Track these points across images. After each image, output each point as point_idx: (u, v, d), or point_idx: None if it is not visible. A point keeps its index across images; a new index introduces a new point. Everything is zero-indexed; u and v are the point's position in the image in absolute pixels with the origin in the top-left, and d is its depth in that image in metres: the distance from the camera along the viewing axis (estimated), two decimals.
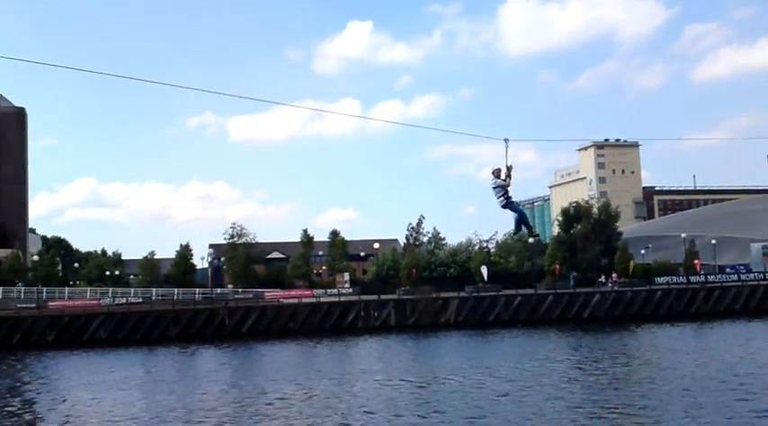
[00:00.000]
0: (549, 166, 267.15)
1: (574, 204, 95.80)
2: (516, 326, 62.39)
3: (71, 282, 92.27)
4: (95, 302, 69.83)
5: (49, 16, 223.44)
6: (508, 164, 14.10)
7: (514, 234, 15.12)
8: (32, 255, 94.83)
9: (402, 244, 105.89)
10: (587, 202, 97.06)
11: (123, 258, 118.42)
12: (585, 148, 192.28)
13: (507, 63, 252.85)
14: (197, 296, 76.43)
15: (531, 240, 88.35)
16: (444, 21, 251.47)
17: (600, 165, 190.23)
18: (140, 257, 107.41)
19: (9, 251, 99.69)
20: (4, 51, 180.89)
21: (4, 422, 27.37)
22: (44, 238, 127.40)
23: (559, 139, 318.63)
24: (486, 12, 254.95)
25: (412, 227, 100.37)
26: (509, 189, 14.32)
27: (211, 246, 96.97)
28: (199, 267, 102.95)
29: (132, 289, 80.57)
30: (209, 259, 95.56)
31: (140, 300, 71.83)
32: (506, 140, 14.15)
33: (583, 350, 44.61)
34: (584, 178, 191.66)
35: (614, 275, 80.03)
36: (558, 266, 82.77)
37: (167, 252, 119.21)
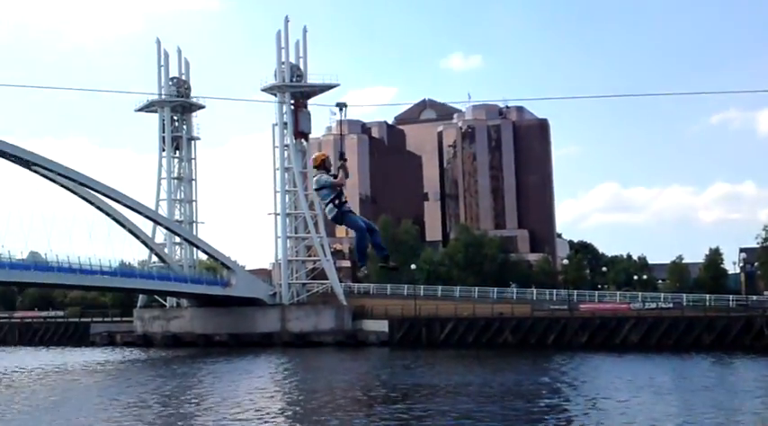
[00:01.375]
0: None
1: None
2: None
3: (599, 286, 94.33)
4: (625, 306, 70.48)
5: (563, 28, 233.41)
6: (341, 149, 8.89)
7: (360, 266, 8.56)
8: (561, 259, 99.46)
9: None
10: None
11: (649, 262, 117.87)
12: None
13: None
14: (730, 302, 72.27)
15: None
16: None
17: None
18: (667, 261, 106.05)
19: (539, 255, 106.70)
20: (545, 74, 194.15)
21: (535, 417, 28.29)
22: (571, 243, 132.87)
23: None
24: None
25: None
26: (343, 189, 8.92)
27: (743, 250, 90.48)
28: (730, 272, 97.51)
29: (662, 294, 79.01)
30: (741, 263, 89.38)
31: (671, 305, 70.26)
32: (341, 106, 9.03)
33: None
34: None
35: None
36: None
37: (695, 256, 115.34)
